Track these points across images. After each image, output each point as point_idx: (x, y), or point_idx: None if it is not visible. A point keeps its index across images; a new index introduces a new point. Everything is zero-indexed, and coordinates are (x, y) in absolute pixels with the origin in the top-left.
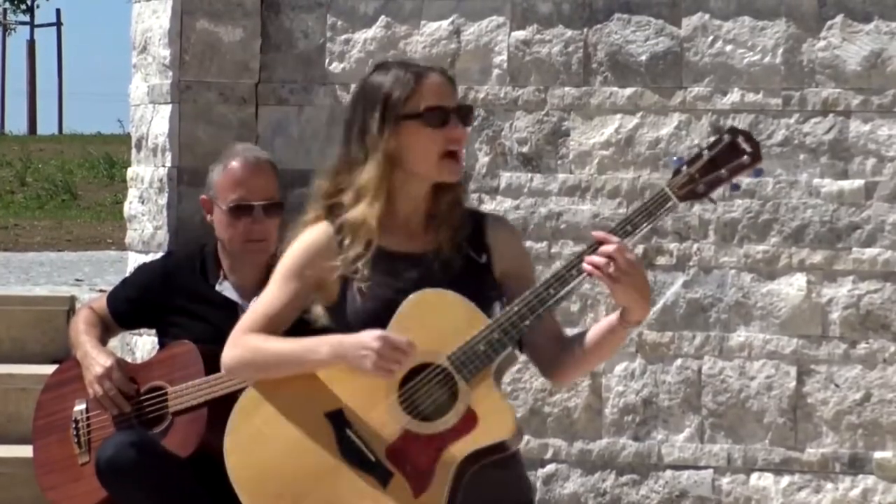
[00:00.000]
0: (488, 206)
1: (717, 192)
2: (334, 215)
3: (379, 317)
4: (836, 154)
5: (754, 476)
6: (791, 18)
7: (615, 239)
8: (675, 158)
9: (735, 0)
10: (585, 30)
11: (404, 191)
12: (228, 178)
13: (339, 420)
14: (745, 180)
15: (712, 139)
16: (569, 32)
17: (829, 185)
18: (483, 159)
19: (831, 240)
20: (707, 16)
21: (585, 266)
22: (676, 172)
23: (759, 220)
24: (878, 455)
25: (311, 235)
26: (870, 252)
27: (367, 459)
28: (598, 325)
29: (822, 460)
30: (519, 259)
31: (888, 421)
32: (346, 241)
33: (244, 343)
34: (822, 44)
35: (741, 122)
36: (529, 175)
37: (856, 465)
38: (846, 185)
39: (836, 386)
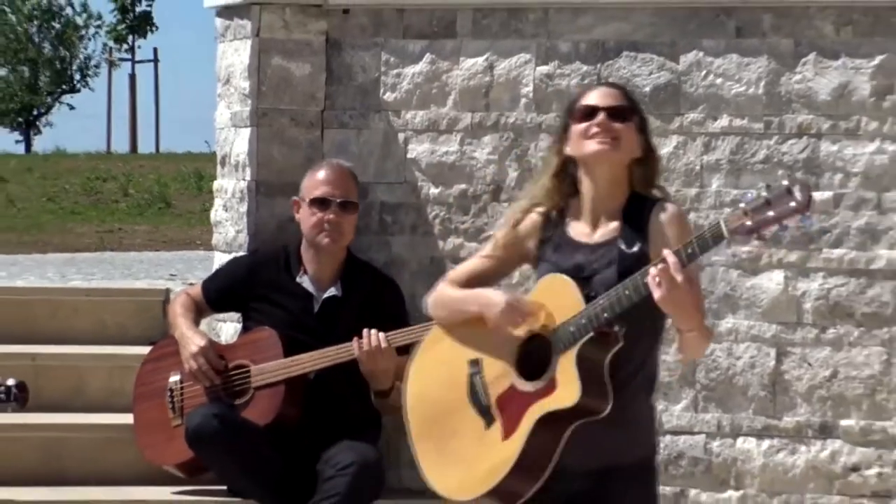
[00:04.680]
0: None
1: (767, 231)
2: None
3: None
4: (809, 170)
5: (740, 440)
6: (771, 56)
7: (670, 259)
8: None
9: (724, 41)
10: (599, 65)
11: (588, 186)
12: (314, 179)
13: (475, 366)
14: (793, 225)
15: (776, 185)
16: (585, 67)
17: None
18: (512, 174)
19: (805, 242)
20: (701, 53)
21: (650, 277)
22: (734, 209)
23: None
24: (843, 423)
25: (526, 205)
26: (837, 252)
27: (482, 403)
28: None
29: (796, 427)
30: (666, 241)
31: (852, 394)
32: (549, 224)
33: (440, 288)
34: (797, 77)
35: (729, 143)
36: None
37: (825, 431)
38: (817, 196)
39: (809, 365)
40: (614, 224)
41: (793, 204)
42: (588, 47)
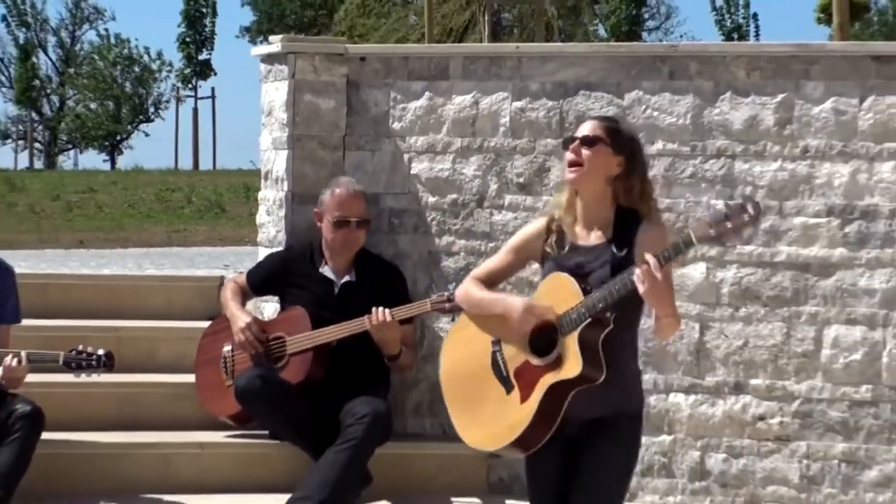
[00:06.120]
0: (497, 218)
1: (727, 240)
2: (550, 217)
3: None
4: (726, 184)
5: (671, 395)
6: (696, 94)
7: (651, 261)
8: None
9: (659, 82)
10: (561, 101)
11: (580, 200)
12: (334, 201)
13: (497, 345)
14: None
15: (733, 202)
16: (550, 103)
17: (721, 204)
18: (493, 186)
19: None
20: (641, 92)
21: (634, 276)
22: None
23: (675, 227)
24: (752, 382)
25: (535, 223)
26: (748, 248)
27: (503, 373)
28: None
29: (715, 385)
30: (650, 251)
31: (759, 360)
32: (552, 232)
33: (469, 285)
34: (717, 111)
35: (663, 162)
36: (524, 197)
37: (738, 389)
38: (732, 203)
39: (725, 336)
40: (606, 231)
41: (746, 217)
42: (553, 87)
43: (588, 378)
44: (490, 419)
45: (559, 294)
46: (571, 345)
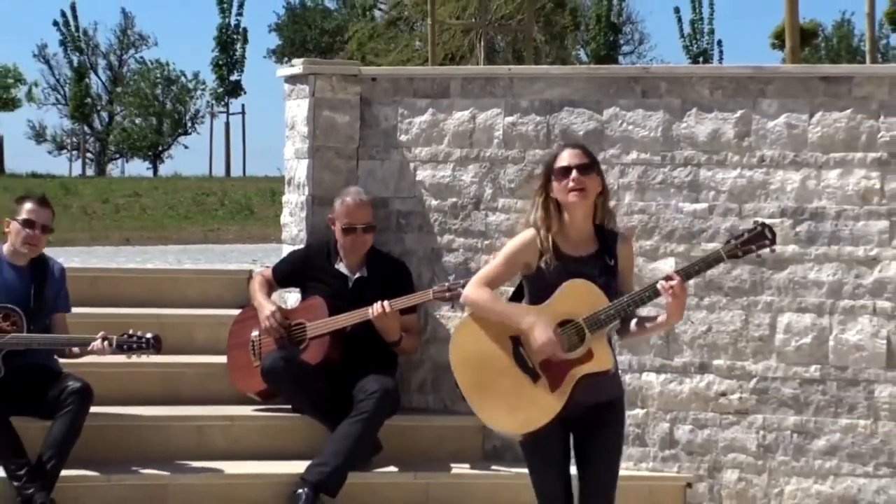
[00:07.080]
0: (491, 219)
1: (747, 257)
2: (537, 232)
3: (555, 287)
4: (692, 189)
5: (644, 374)
6: (666, 110)
7: (677, 277)
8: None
9: (634, 100)
10: (547, 116)
11: (568, 217)
12: (343, 209)
13: (516, 340)
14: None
15: (751, 226)
16: (538, 118)
17: (688, 207)
18: (488, 191)
19: (689, 238)
20: (618, 108)
21: (660, 286)
22: (727, 242)
23: (647, 227)
24: (715, 362)
25: (524, 236)
26: (711, 245)
27: (528, 365)
28: (653, 322)
29: (683, 365)
30: (627, 262)
31: (721, 343)
32: (546, 249)
33: (481, 292)
34: (684, 125)
35: (636, 170)
36: (515, 200)
37: (703, 368)
38: (698, 206)
39: (692, 322)
40: (591, 244)
41: (767, 241)
42: (540, 104)
43: (611, 369)
44: (518, 405)
45: (585, 298)
46: (602, 341)
